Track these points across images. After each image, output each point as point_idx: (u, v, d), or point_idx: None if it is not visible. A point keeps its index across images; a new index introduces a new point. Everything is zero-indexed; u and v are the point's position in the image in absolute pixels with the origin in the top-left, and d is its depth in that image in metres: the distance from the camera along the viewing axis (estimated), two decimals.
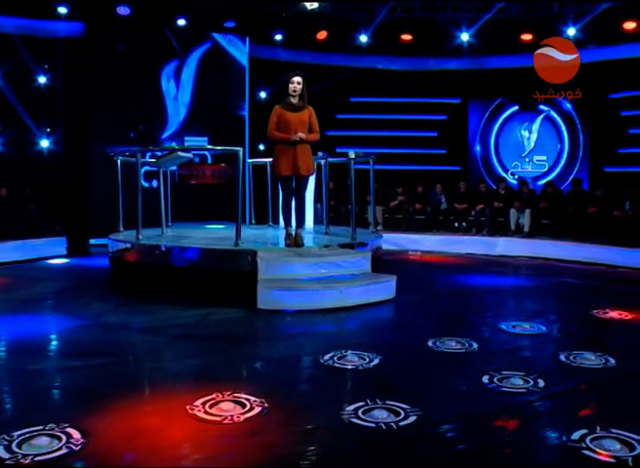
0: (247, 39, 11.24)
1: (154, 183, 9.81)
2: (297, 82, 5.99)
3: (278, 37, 11.60)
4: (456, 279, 7.48)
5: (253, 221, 9.11)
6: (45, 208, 9.91)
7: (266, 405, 3.10)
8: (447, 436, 2.78)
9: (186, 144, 10.68)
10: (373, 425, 2.85)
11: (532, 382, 3.49)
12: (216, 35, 11.05)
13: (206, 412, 3.02)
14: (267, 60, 11.29)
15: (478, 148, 12.71)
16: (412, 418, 2.93)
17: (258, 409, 3.05)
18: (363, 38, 11.86)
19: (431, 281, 7.38)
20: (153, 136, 10.60)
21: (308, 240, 7.24)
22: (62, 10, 9.65)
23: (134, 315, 5.30)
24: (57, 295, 6.24)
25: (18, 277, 7.30)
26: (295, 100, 6.03)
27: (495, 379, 3.54)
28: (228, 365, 3.90)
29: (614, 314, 5.44)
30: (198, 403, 3.12)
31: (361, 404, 3.09)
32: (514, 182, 11.84)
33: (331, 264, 5.84)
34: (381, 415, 2.96)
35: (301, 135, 5.91)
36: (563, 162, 11.97)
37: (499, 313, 5.52)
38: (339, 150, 10.79)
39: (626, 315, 5.40)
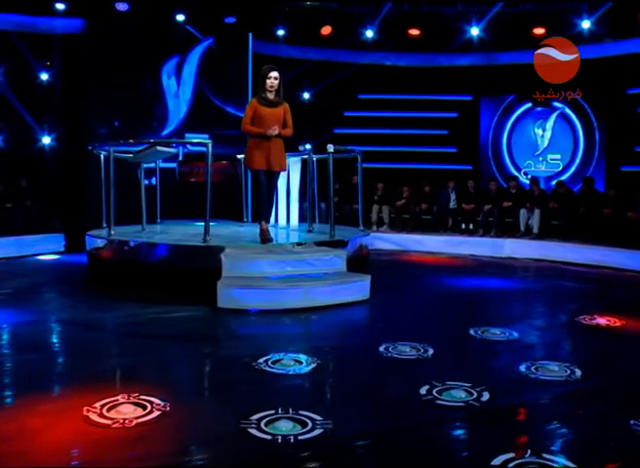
0: (250, 35, 11.04)
1: (153, 181, 9.69)
2: (274, 77, 5.84)
3: (281, 33, 11.37)
4: (445, 281, 7.12)
5: (245, 219, 8.90)
6: (44, 204, 9.88)
7: (168, 409, 2.87)
8: (345, 453, 2.48)
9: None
10: (269, 438, 2.58)
11: (475, 395, 3.16)
12: (218, 31, 10.88)
13: (100, 415, 2.81)
14: (270, 57, 11.01)
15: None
16: (317, 431, 2.65)
17: (156, 414, 2.82)
18: (369, 33, 11.54)
19: (418, 282, 7.04)
20: (152, 133, 10.49)
21: (292, 237, 7.01)
22: (61, 6, 9.61)
23: (91, 312, 5.16)
24: (24, 291, 6.11)
25: None
26: (271, 96, 5.88)
27: (434, 391, 3.22)
28: (158, 365, 3.68)
29: (601, 320, 5.04)
30: (98, 404, 2.91)
31: (270, 412, 2.83)
32: (527, 182, 11.34)
33: (300, 262, 5.58)
34: (285, 426, 2.70)
35: (275, 131, 5.73)
36: (578, 161, 11.42)
37: (474, 317, 5.14)
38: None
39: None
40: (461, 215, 10.82)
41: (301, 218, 7.88)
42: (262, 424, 2.70)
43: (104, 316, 5.00)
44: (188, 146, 10.76)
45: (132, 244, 5.99)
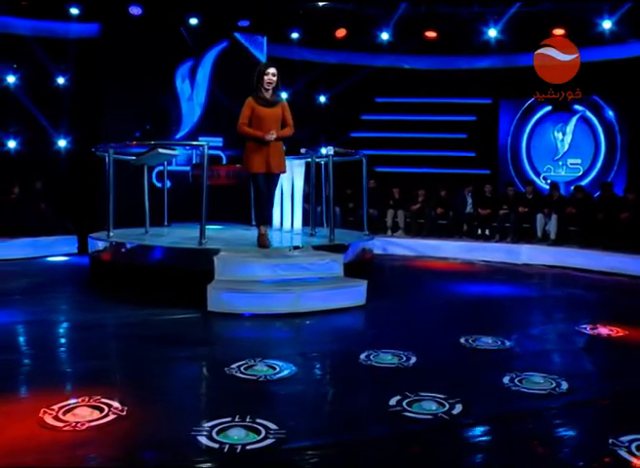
0: (264, 38, 11.03)
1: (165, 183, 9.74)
2: (272, 74, 5.72)
3: (295, 36, 11.33)
4: (451, 287, 6.94)
5: (254, 222, 8.85)
6: (58, 206, 10.00)
7: (124, 413, 2.82)
8: (285, 466, 2.38)
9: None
10: (216, 446, 2.50)
11: (447, 407, 3.03)
12: (232, 35, 10.89)
13: (55, 417, 2.77)
14: (285, 60, 10.98)
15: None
16: (267, 441, 2.56)
17: (111, 418, 2.77)
18: (385, 35, 11.41)
19: (422, 288, 6.88)
20: (167, 136, 10.54)
21: (293, 241, 6.93)
22: (75, 11, 9.73)
23: (83, 313, 5.19)
24: (25, 291, 6.18)
25: (3, 272, 7.32)
26: (268, 95, 5.77)
27: (404, 402, 3.09)
28: (130, 368, 3.66)
29: (604, 330, 4.83)
30: (56, 406, 2.87)
31: (227, 419, 2.75)
32: (547, 187, 11.07)
33: (294, 266, 5.49)
34: (237, 435, 2.61)
35: (273, 135, 5.62)
36: (599, 166, 11.09)
37: (468, 325, 4.96)
38: (365, 153, 10.41)
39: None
40: (478, 220, 10.60)
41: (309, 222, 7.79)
42: (214, 432, 2.62)
43: (95, 317, 5.00)
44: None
45: (128, 246, 6.00)
